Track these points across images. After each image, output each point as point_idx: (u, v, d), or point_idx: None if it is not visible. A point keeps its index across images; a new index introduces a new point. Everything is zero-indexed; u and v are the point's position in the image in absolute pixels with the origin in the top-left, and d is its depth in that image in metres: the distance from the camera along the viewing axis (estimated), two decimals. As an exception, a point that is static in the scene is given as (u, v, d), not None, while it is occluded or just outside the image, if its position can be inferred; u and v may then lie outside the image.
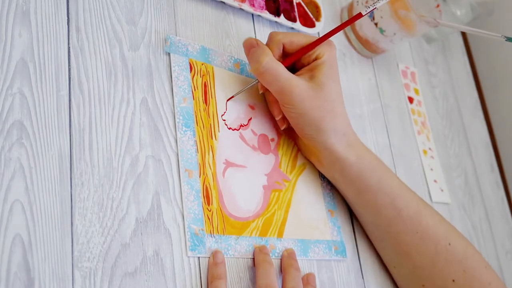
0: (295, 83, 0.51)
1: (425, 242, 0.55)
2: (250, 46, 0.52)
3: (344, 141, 0.54)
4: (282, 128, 0.56)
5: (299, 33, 0.54)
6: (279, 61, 0.52)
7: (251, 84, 0.54)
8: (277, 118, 0.55)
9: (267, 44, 0.53)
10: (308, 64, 0.53)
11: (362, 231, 0.61)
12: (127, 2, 0.51)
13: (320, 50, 0.53)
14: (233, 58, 0.57)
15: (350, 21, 0.54)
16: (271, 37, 0.53)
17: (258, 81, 0.53)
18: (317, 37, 0.54)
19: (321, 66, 0.52)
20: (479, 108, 0.97)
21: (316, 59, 0.53)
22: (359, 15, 0.53)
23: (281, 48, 0.53)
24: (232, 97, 0.55)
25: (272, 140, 0.57)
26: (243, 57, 0.58)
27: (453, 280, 0.55)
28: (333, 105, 0.52)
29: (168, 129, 0.49)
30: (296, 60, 0.54)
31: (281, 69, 0.50)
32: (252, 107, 0.56)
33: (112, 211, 0.43)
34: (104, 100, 0.46)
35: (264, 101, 0.57)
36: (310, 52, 0.53)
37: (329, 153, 0.54)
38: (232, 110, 0.54)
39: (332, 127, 0.52)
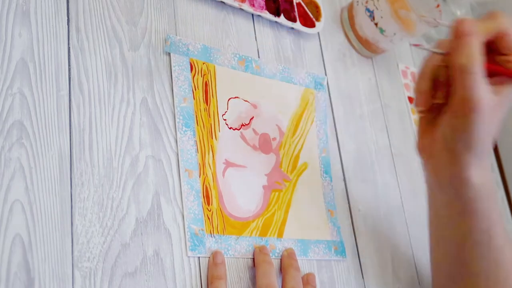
0: (486, 98, 0.45)
1: (498, 270, 0.52)
2: (464, 33, 0.45)
3: (480, 166, 0.49)
4: (436, 101, 0.49)
5: None
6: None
7: (441, 52, 0.48)
8: (436, 101, 0.49)
9: (482, 21, 0.47)
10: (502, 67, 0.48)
11: (362, 231, 0.61)
12: (127, 2, 0.51)
13: None
14: (237, 56, 0.57)
15: None
16: (497, 17, 0.46)
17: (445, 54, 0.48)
18: None
19: None
20: (479, 108, 0.97)
21: None
22: None
23: (493, 34, 0.46)
24: (418, 45, 0.51)
25: (274, 139, 0.57)
26: (246, 55, 0.58)
27: None
28: (495, 129, 0.48)
29: (168, 129, 0.49)
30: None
31: (482, 79, 0.45)
32: (254, 106, 0.56)
33: (112, 211, 0.43)
34: (104, 100, 0.46)
35: (267, 99, 0.57)
36: None
37: (459, 169, 0.49)
38: (233, 109, 0.54)
39: (481, 149, 0.48)
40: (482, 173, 0.49)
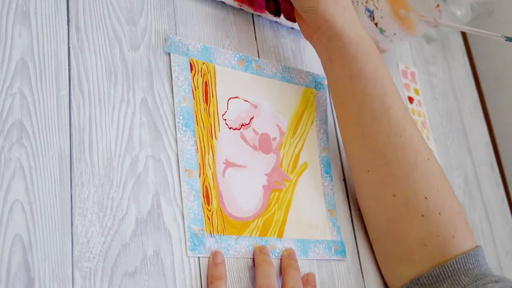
0: None
1: (406, 149, 0.53)
2: None
3: (345, 15, 0.52)
4: None
5: None
6: None
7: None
8: None
9: None
10: None
11: (362, 231, 0.61)
12: (127, 2, 0.51)
13: None
14: (237, 55, 0.57)
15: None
16: None
17: None
18: None
19: None
20: (479, 108, 0.97)
21: None
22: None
23: None
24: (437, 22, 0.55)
25: (274, 139, 0.57)
26: (246, 54, 0.58)
27: (426, 198, 0.53)
28: None
29: (168, 129, 0.49)
30: None
31: None
32: (254, 106, 0.56)
33: (112, 211, 0.43)
34: (104, 100, 0.46)
35: (267, 99, 0.57)
36: None
37: (328, 26, 0.53)
38: (233, 109, 0.54)
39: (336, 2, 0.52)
40: (351, 26, 0.53)
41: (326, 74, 0.58)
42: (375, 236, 0.58)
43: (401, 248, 0.55)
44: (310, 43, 0.58)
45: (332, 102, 0.59)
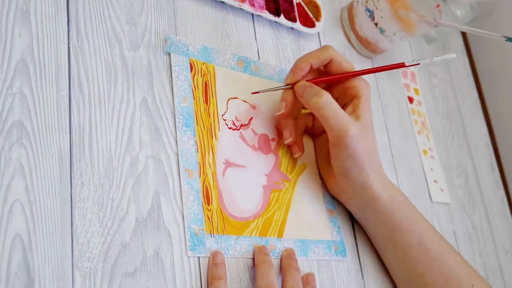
0: (352, 124, 0.51)
1: (450, 283, 0.55)
2: (305, 87, 0.53)
3: (380, 180, 0.55)
4: (297, 155, 0.57)
5: (347, 61, 0.55)
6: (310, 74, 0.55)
7: (284, 87, 0.55)
8: (287, 141, 0.56)
9: (315, 52, 0.55)
10: (341, 94, 0.55)
11: (362, 231, 0.61)
12: (127, 2, 0.51)
13: (357, 84, 0.54)
14: (236, 56, 0.57)
15: (390, 67, 0.55)
16: (325, 48, 0.55)
17: (290, 87, 0.54)
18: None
19: (362, 103, 0.54)
20: (479, 108, 0.97)
21: (353, 94, 0.54)
22: (402, 65, 0.55)
23: (327, 62, 0.54)
24: (257, 92, 0.55)
25: (273, 140, 0.57)
26: (245, 55, 0.58)
27: None
28: (373, 145, 0.54)
29: (168, 129, 0.49)
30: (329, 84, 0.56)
31: (338, 107, 0.52)
32: (253, 107, 0.56)
33: (112, 211, 0.43)
34: (104, 100, 0.46)
35: (266, 100, 0.57)
36: (349, 85, 0.55)
37: (365, 192, 0.55)
38: (232, 110, 0.54)
39: (373, 168, 0.54)
40: (386, 188, 0.55)
41: (361, 224, 0.60)
42: None
43: None
44: (337, 197, 0.59)
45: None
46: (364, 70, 0.55)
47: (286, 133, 0.55)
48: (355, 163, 0.53)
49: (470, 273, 0.57)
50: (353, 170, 0.53)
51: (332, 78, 0.55)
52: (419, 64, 0.54)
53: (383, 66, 0.55)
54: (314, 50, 0.55)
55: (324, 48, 0.55)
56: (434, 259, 0.56)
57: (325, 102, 0.51)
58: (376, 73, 0.75)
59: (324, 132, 0.57)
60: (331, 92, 0.54)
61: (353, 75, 0.55)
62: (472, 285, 0.56)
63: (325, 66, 0.55)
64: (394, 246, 0.57)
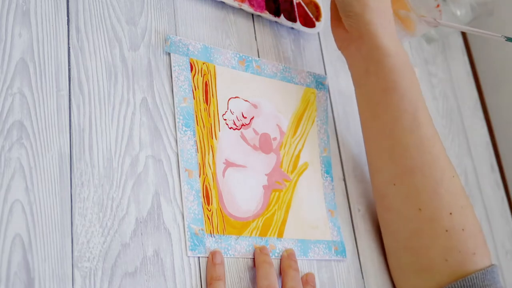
0: None
1: (433, 165, 0.54)
2: None
3: (388, 28, 0.53)
4: None
5: None
6: None
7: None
8: None
9: None
10: None
11: (362, 231, 0.61)
12: (127, 2, 0.51)
13: None
14: (237, 55, 0.57)
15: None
16: None
17: None
18: None
19: None
20: (479, 108, 0.97)
21: None
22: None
23: None
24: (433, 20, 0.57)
25: (274, 139, 0.57)
26: (246, 54, 0.58)
27: (450, 213, 0.53)
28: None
29: (168, 129, 0.49)
30: None
31: None
32: (254, 106, 0.56)
33: (112, 211, 0.43)
34: (104, 100, 0.46)
35: (267, 99, 0.57)
36: None
37: (371, 36, 0.53)
38: (233, 109, 0.54)
39: (380, 8, 0.53)
40: (394, 42, 0.54)
41: (357, 86, 0.58)
42: (393, 248, 0.58)
43: (421, 261, 0.55)
44: (343, 53, 0.58)
45: (359, 115, 0.59)
46: None
47: None
48: (359, 1, 0.52)
49: (452, 166, 0.56)
50: (356, 7, 0.53)
51: None
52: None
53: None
54: None
55: None
56: (424, 135, 0.54)
57: None
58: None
59: None
60: None
61: None
62: (453, 176, 0.55)
63: None
64: (387, 108, 0.55)
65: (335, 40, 0.59)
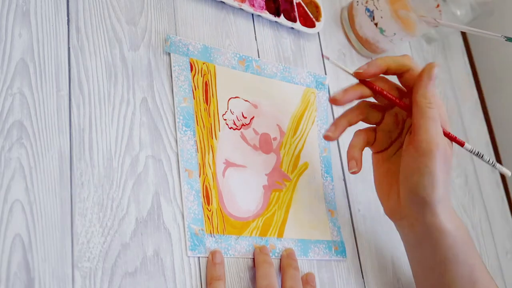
0: (441, 132, 0.51)
1: None
2: (433, 78, 0.52)
3: (448, 209, 0.51)
4: (352, 171, 0.53)
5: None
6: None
7: (351, 74, 0.53)
8: (350, 162, 0.53)
9: (395, 57, 0.53)
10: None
11: (362, 231, 0.61)
12: (127, 2, 0.51)
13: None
14: (237, 55, 0.57)
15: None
16: (405, 56, 0.53)
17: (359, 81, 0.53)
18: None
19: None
20: (479, 108, 0.97)
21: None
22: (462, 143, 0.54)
23: (404, 70, 0.53)
24: (328, 58, 0.55)
25: (275, 139, 0.57)
26: (246, 54, 0.58)
27: None
28: (450, 169, 0.51)
29: (168, 129, 0.49)
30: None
31: (439, 124, 0.51)
32: (255, 106, 0.56)
33: (112, 211, 0.43)
34: (104, 100, 0.46)
35: (268, 99, 0.57)
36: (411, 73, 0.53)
37: (431, 220, 0.50)
38: (233, 109, 0.54)
39: (443, 193, 0.50)
40: (452, 218, 0.51)
41: (408, 250, 0.56)
42: None
43: None
44: (391, 219, 0.55)
45: (410, 267, 0.57)
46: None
47: (352, 164, 0.53)
48: (432, 180, 0.49)
49: None
50: (426, 187, 0.49)
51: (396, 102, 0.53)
52: (479, 155, 0.54)
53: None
54: (394, 56, 0.53)
55: (404, 55, 0.53)
56: None
57: (433, 105, 0.50)
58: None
59: (386, 149, 0.55)
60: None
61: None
62: None
63: (400, 75, 0.53)
64: (442, 275, 0.52)
65: (384, 207, 0.55)
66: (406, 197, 0.51)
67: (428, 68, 0.52)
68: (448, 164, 0.51)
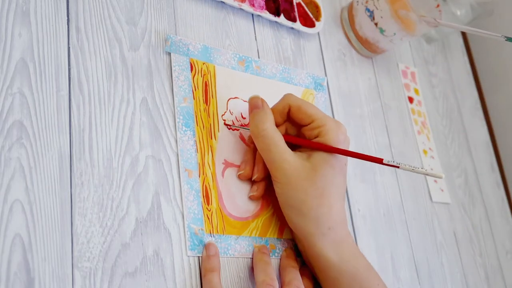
0: (288, 159, 0.47)
1: None
2: (254, 107, 0.49)
3: (329, 236, 0.47)
4: (254, 178, 0.51)
5: (311, 104, 0.50)
6: (280, 128, 0.50)
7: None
8: (253, 177, 0.51)
9: (274, 105, 0.51)
10: (309, 138, 0.50)
11: (362, 231, 0.61)
12: (127, 2, 0.51)
13: (325, 129, 0.49)
14: (237, 56, 0.57)
15: (369, 158, 0.48)
16: (283, 97, 0.51)
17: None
18: (324, 112, 0.50)
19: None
20: (479, 108, 0.97)
21: (316, 135, 0.49)
22: (380, 160, 0.48)
23: (287, 110, 0.50)
24: (230, 127, 0.53)
25: (272, 140, 0.57)
26: (246, 55, 0.58)
27: None
28: (323, 191, 0.47)
29: (168, 129, 0.49)
30: (298, 132, 0.51)
31: (278, 140, 0.48)
32: (252, 107, 0.56)
33: (112, 211, 0.43)
34: (104, 100, 0.46)
35: (267, 99, 0.57)
36: (313, 126, 0.49)
37: (308, 244, 0.48)
38: (232, 110, 0.54)
39: (315, 216, 0.47)
40: (335, 248, 0.47)
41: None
42: None
43: None
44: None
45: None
46: (341, 149, 0.48)
47: (242, 165, 0.52)
48: (290, 201, 0.47)
49: None
50: (290, 211, 0.48)
51: (296, 141, 0.50)
52: (398, 167, 0.47)
53: (362, 154, 0.49)
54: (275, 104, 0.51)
55: (282, 98, 0.51)
56: None
57: (262, 134, 0.47)
58: (376, 73, 0.75)
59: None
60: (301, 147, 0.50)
61: (329, 149, 0.48)
62: None
63: (289, 114, 0.51)
64: None
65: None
66: (286, 218, 0.49)
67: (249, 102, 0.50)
68: (315, 184, 0.47)
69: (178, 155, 0.48)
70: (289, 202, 0.48)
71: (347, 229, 0.49)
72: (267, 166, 0.49)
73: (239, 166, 0.52)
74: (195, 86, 0.52)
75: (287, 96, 0.51)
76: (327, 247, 0.47)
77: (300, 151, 0.50)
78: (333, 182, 0.48)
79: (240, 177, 0.52)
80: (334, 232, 0.47)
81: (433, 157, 0.78)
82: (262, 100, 0.50)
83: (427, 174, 0.47)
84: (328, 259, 0.48)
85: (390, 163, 0.47)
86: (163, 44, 0.52)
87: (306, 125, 0.50)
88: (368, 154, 0.51)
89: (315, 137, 0.49)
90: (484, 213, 0.84)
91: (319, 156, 0.48)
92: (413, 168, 0.47)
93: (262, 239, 0.51)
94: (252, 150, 0.52)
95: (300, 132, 0.51)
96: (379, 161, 0.48)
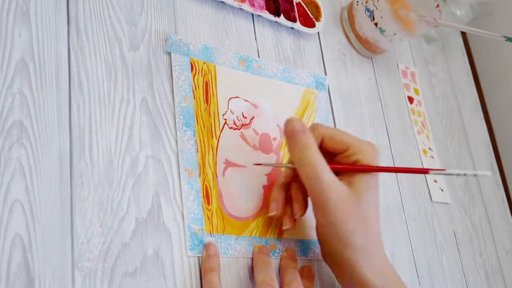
0: (335, 188, 0.46)
1: None
2: (296, 132, 0.47)
3: (372, 262, 0.48)
4: (296, 217, 0.50)
5: (341, 130, 0.51)
6: None
7: (286, 165, 0.52)
8: (296, 217, 0.51)
9: None
10: (346, 164, 0.49)
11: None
12: (127, 2, 0.51)
13: (362, 154, 0.48)
14: (238, 55, 0.57)
15: (415, 170, 0.49)
16: (313, 128, 0.50)
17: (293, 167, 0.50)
18: (351, 134, 0.50)
19: (362, 172, 0.48)
20: (479, 108, 0.97)
21: (356, 163, 0.49)
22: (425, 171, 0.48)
23: (319, 141, 0.49)
24: (260, 164, 0.53)
25: (275, 139, 0.57)
26: (246, 55, 0.58)
27: None
28: (368, 218, 0.47)
29: (168, 129, 0.49)
30: (332, 156, 0.50)
31: (325, 168, 0.46)
32: (255, 106, 0.56)
33: (112, 211, 0.43)
34: (104, 100, 0.46)
35: (268, 99, 0.57)
36: (350, 152, 0.49)
37: (352, 271, 0.48)
38: (233, 109, 0.54)
39: (361, 244, 0.47)
40: (377, 273, 0.48)
41: None
42: None
43: None
44: (331, 269, 0.52)
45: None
46: (389, 167, 0.48)
47: (273, 205, 0.50)
48: (338, 233, 0.46)
49: None
50: (337, 243, 0.47)
51: (343, 168, 0.49)
52: (444, 169, 0.48)
53: (409, 168, 0.51)
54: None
55: (312, 128, 0.50)
56: None
57: (309, 161, 0.46)
58: (376, 73, 0.75)
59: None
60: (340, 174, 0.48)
61: (378, 169, 0.48)
62: None
63: (321, 144, 0.50)
64: None
65: (322, 253, 0.52)
66: (323, 248, 0.50)
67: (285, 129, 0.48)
68: (358, 209, 0.46)
69: (178, 155, 0.48)
70: (335, 234, 0.47)
71: (384, 251, 0.50)
72: (312, 195, 0.47)
73: (240, 166, 0.52)
74: (195, 86, 0.52)
75: (316, 127, 0.50)
76: (371, 273, 0.47)
77: (340, 178, 0.48)
78: (374, 206, 0.48)
79: (271, 217, 0.51)
80: (376, 257, 0.48)
81: (433, 157, 0.78)
82: (303, 124, 0.48)
83: (475, 175, 0.47)
84: (372, 284, 0.47)
85: (436, 171, 0.47)
86: (163, 44, 0.52)
87: (341, 153, 0.50)
88: (413, 167, 0.50)
89: (353, 163, 0.49)
90: (484, 213, 0.84)
91: (360, 180, 0.48)
92: (458, 172, 0.47)
93: (262, 239, 0.51)
94: (281, 186, 0.51)
95: (333, 160, 0.50)
96: (425, 172, 0.49)
